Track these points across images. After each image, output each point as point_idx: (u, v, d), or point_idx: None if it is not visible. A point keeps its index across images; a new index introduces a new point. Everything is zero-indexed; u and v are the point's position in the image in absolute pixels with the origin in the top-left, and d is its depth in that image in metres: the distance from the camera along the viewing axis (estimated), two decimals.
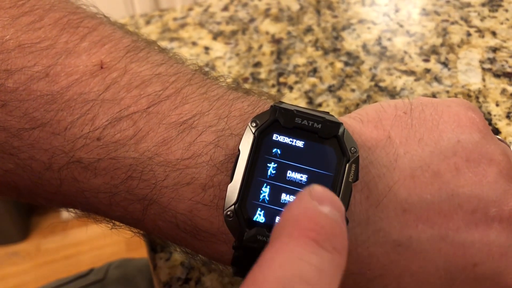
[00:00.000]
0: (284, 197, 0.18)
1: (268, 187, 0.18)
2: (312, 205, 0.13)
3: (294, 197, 0.17)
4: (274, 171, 0.18)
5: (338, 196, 0.18)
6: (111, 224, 0.22)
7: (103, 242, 1.14)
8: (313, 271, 0.12)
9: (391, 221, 0.18)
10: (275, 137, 0.19)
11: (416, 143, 0.19)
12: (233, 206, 0.18)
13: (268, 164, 0.18)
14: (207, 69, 0.38)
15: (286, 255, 0.12)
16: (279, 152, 0.19)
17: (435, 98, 0.22)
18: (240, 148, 0.18)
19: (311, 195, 0.14)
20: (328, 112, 0.20)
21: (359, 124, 0.20)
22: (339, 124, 0.19)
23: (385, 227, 0.18)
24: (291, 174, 0.18)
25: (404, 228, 0.18)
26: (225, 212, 0.18)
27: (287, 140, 0.19)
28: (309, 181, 0.18)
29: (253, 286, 0.12)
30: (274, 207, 0.18)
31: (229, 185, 0.18)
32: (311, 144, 0.19)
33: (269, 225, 0.18)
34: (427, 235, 0.18)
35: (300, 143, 0.19)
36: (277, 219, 0.18)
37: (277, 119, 0.19)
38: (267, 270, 0.12)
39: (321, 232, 0.13)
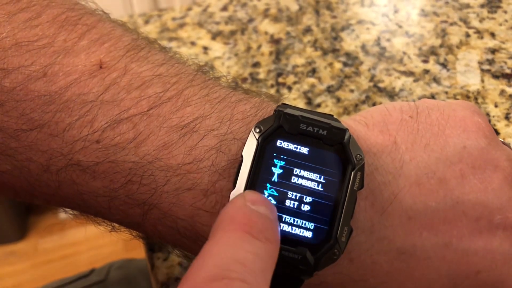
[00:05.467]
0: (288, 204, 0.18)
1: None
2: (245, 205, 0.15)
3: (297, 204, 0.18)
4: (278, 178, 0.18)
5: (343, 205, 0.18)
6: (111, 226, 0.21)
7: (101, 242, 1.13)
8: (249, 255, 0.14)
9: (395, 229, 0.18)
10: (279, 143, 0.18)
11: (422, 149, 0.19)
12: None
13: (271, 171, 0.18)
14: (207, 68, 0.38)
15: (223, 245, 0.14)
16: (283, 159, 0.18)
17: (441, 101, 0.21)
18: (243, 154, 0.18)
19: (244, 198, 0.15)
20: (333, 115, 0.19)
21: (364, 128, 0.20)
22: (344, 131, 0.18)
23: (389, 235, 0.18)
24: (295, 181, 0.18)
25: (409, 236, 0.18)
26: None
27: (291, 146, 0.18)
28: (313, 188, 0.18)
29: (193, 274, 0.13)
30: (278, 214, 0.18)
31: (232, 192, 0.17)
32: (316, 150, 0.18)
33: None
34: (431, 242, 0.18)
35: (304, 150, 0.18)
36: (281, 226, 0.18)
37: (281, 125, 0.18)
38: (206, 258, 0.13)
39: (253, 226, 0.14)
